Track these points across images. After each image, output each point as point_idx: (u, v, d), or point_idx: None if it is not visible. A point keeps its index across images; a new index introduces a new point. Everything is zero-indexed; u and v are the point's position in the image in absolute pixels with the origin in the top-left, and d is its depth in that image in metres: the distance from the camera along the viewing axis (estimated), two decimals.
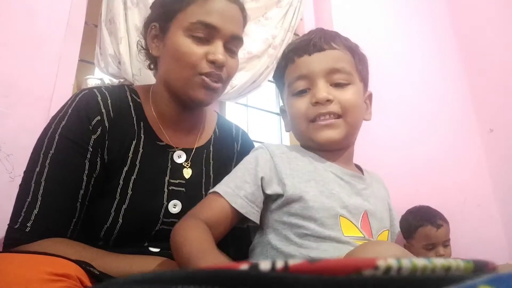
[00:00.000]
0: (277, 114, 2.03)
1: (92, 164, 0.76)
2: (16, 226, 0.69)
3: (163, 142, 0.85)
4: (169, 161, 0.83)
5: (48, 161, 0.73)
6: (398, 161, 1.93)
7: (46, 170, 0.73)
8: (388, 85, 2.05)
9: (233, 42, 0.83)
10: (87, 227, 0.76)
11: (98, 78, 1.66)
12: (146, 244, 0.78)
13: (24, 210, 0.70)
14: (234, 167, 0.92)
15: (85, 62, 1.56)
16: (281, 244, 0.72)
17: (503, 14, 2.27)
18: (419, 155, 2.00)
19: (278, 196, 0.75)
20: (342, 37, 0.84)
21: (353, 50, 0.83)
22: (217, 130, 0.95)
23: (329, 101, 0.77)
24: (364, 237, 0.72)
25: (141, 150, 0.81)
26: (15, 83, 1.26)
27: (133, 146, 0.80)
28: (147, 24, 0.88)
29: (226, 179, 0.78)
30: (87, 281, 0.55)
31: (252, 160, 0.79)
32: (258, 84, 1.80)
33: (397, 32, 2.30)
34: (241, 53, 1.78)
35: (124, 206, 0.76)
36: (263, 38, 1.84)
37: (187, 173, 0.84)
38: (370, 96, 0.87)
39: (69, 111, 0.78)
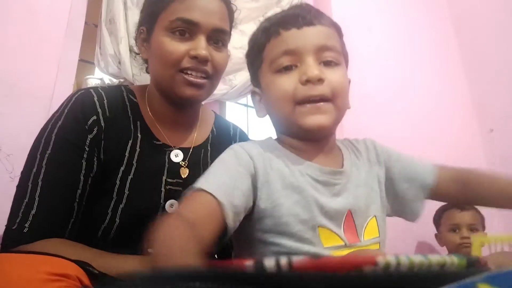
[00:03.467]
0: None
1: (89, 164, 0.76)
2: (14, 227, 0.69)
3: (160, 141, 0.85)
4: (166, 160, 0.83)
5: (45, 161, 0.73)
6: None
7: (43, 170, 0.72)
8: (388, 84, 2.05)
9: (217, 36, 0.82)
10: (84, 227, 0.76)
11: (98, 78, 1.66)
12: (144, 245, 0.78)
13: (21, 211, 0.70)
14: None
15: (85, 62, 1.57)
16: None
17: (503, 14, 2.27)
18: (418, 154, 2.00)
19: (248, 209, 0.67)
20: (326, 16, 0.77)
21: (339, 30, 0.77)
22: (214, 129, 0.95)
23: (320, 80, 0.68)
24: (345, 244, 0.67)
25: (138, 149, 0.81)
26: (15, 83, 1.26)
27: (129, 145, 0.80)
28: (137, 29, 0.88)
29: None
30: (86, 280, 0.55)
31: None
32: None
33: (397, 31, 2.30)
34: (241, 53, 1.78)
35: (121, 206, 0.76)
36: None
37: (184, 172, 0.84)
38: (349, 83, 0.78)
39: (65, 111, 0.78)
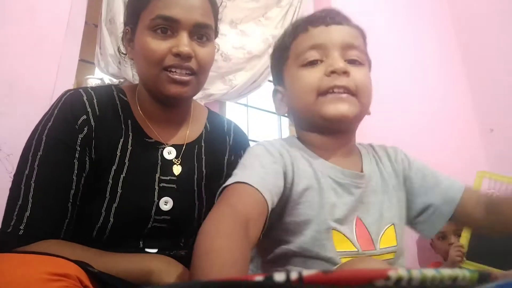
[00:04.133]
0: (277, 114, 2.03)
1: (81, 163, 0.76)
2: (8, 230, 0.69)
3: (152, 139, 0.84)
4: (159, 158, 0.82)
5: (37, 162, 0.73)
6: None
7: (35, 172, 0.72)
8: (388, 84, 2.05)
9: (199, 31, 0.80)
10: (79, 228, 0.75)
11: (98, 78, 1.67)
12: (141, 245, 0.78)
13: (15, 213, 0.69)
14: (227, 161, 0.91)
15: (85, 62, 1.57)
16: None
17: (503, 14, 2.27)
18: (419, 155, 2.00)
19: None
20: (353, 21, 0.79)
21: (364, 35, 0.79)
22: (208, 125, 0.94)
23: (346, 73, 0.69)
24: (358, 251, 0.67)
25: (129, 148, 0.80)
26: (15, 83, 1.26)
27: (120, 144, 0.80)
28: (123, 30, 0.88)
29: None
30: (86, 280, 0.55)
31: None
32: (258, 84, 1.80)
33: (398, 32, 2.30)
34: (241, 53, 1.79)
35: (115, 205, 0.76)
36: (263, 38, 1.84)
37: (177, 170, 0.83)
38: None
39: (55, 112, 0.78)
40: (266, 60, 1.81)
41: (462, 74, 2.41)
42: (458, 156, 2.14)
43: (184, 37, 0.77)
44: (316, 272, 0.27)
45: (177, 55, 0.77)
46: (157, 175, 0.81)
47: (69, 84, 1.36)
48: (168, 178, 0.82)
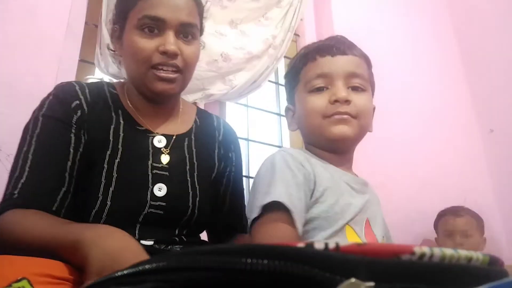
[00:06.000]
0: (277, 114, 2.03)
1: (78, 138, 0.79)
2: (5, 197, 0.72)
3: (143, 127, 0.87)
4: (150, 145, 0.85)
5: (34, 139, 0.76)
6: (397, 161, 1.93)
7: (33, 146, 0.76)
8: (387, 84, 2.04)
9: (185, 30, 0.84)
10: (75, 214, 0.76)
11: (99, 78, 1.66)
12: (137, 236, 0.77)
13: (12, 182, 0.73)
14: (218, 155, 0.94)
15: (86, 62, 1.56)
16: None
17: (503, 14, 2.27)
18: (419, 155, 2.00)
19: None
20: (359, 48, 0.88)
21: (369, 62, 0.88)
22: (197, 119, 0.97)
23: (347, 101, 0.79)
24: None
25: (121, 134, 0.83)
26: (15, 83, 1.26)
27: (112, 130, 0.83)
28: (112, 28, 0.91)
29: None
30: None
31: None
32: (258, 85, 1.80)
33: (397, 32, 2.30)
34: (241, 53, 1.79)
35: (111, 189, 0.77)
36: (263, 38, 1.84)
37: (165, 159, 0.85)
38: (374, 109, 0.90)
39: (49, 98, 0.82)
40: (266, 61, 1.81)
41: (462, 74, 2.41)
42: (458, 156, 2.14)
43: (170, 36, 0.81)
44: (351, 243, 0.31)
45: (164, 53, 0.80)
46: (150, 162, 0.83)
47: None
48: (160, 165, 0.84)
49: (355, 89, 0.82)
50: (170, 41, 0.81)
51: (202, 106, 1.58)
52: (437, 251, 0.32)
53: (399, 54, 2.23)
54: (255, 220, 0.73)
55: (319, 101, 0.81)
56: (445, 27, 2.52)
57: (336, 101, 0.79)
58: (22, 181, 0.72)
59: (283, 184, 0.73)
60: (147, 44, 0.81)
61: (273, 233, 0.70)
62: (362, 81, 0.83)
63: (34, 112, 0.82)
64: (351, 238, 0.73)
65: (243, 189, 1.03)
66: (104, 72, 1.52)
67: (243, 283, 0.28)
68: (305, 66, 0.85)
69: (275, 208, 0.71)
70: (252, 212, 0.74)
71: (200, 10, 0.90)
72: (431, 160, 2.02)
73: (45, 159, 0.75)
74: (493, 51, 2.29)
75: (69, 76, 1.39)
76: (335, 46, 0.84)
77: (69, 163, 0.76)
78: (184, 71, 0.84)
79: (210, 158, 0.93)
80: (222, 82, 1.72)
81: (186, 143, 0.90)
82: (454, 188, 2.00)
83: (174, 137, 0.88)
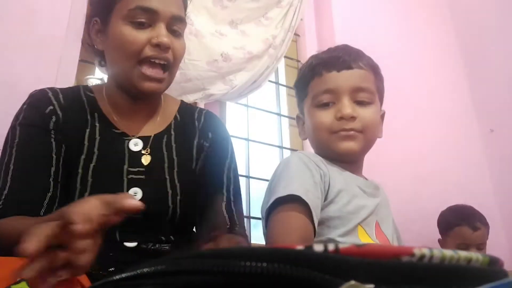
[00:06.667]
0: (277, 114, 2.02)
1: (58, 143, 0.79)
2: None
3: (119, 130, 0.85)
4: (126, 149, 0.84)
5: (14, 148, 0.76)
6: (397, 161, 1.93)
7: (13, 156, 0.75)
8: (387, 84, 2.04)
9: (175, 24, 0.83)
10: None
11: (99, 78, 1.66)
12: (118, 238, 0.77)
13: None
14: (197, 145, 0.90)
15: (86, 62, 1.56)
16: None
17: (503, 15, 2.26)
18: (419, 155, 2.00)
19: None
20: (366, 56, 0.89)
21: (376, 70, 0.90)
22: (178, 115, 0.94)
23: (353, 117, 0.82)
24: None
25: (97, 137, 0.82)
26: (15, 84, 1.26)
27: (87, 134, 0.82)
28: (89, 20, 0.89)
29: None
30: (87, 283, 0.55)
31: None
32: (258, 85, 1.80)
33: (397, 32, 2.29)
34: (241, 53, 1.79)
35: (86, 194, 0.77)
36: (263, 38, 1.84)
37: (146, 160, 0.84)
38: (383, 115, 0.93)
39: (24, 107, 0.83)
40: (266, 61, 1.81)
41: (462, 74, 2.41)
42: (458, 156, 2.14)
43: (163, 29, 0.80)
44: (351, 245, 0.31)
45: (157, 45, 0.79)
46: (125, 167, 0.82)
47: (69, 84, 1.35)
48: (136, 169, 0.82)
49: (360, 103, 0.84)
50: (163, 33, 0.79)
51: (202, 106, 1.57)
52: (437, 252, 0.32)
53: (399, 54, 2.22)
54: (270, 213, 0.76)
55: (326, 117, 0.84)
56: (445, 27, 2.52)
57: (341, 118, 0.82)
58: (5, 192, 0.71)
59: (301, 181, 0.76)
60: (138, 36, 0.79)
61: (289, 223, 0.72)
62: (368, 94, 0.85)
63: (11, 123, 0.81)
64: (363, 238, 0.76)
65: (224, 180, 0.89)
66: (104, 73, 1.52)
67: (242, 286, 0.28)
68: (312, 80, 0.88)
69: (292, 201, 0.73)
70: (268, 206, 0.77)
71: (185, 4, 0.89)
72: (431, 160, 2.02)
73: (28, 166, 0.74)
74: (493, 51, 2.29)
75: (69, 76, 1.39)
76: (342, 58, 0.85)
77: (53, 169, 0.76)
78: (173, 66, 0.83)
79: (189, 150, 0.90)
80: (222, 82, 1.72)
81: (164, 140, 0.88)
82: (454, 188, 2.00)
83: (151, 137, 0.87)
